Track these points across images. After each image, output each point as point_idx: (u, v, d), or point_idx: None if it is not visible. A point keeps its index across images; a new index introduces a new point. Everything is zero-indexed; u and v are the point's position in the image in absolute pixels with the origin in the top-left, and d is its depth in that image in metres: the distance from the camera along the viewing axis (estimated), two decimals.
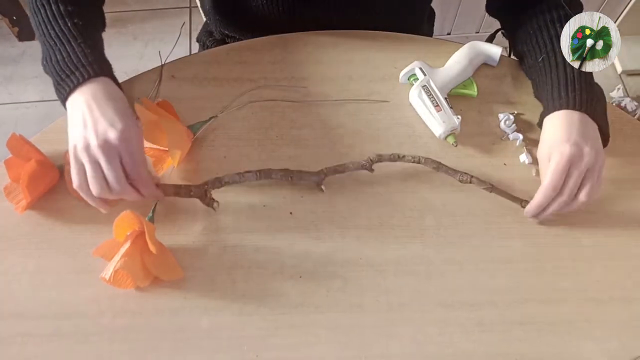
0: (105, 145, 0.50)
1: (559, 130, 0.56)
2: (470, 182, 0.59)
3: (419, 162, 0.59)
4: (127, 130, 0.51)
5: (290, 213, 0.59)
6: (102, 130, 0.51)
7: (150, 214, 0.57)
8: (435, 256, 0.57)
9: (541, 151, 0.57)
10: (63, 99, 0.55)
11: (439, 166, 0.59)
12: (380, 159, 0.60)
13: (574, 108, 0.56)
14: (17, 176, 0.57)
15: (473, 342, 0.52)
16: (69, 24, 0.56)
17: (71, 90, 0.54)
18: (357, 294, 0.54)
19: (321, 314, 0.53)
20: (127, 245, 0.52)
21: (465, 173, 0.59)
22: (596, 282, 0.56)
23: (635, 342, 0.52)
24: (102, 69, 0.55)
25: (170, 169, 0.61)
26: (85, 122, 0.52)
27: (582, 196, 0.54)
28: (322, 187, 0.59)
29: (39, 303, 0.54)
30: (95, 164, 0.51)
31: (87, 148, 0.51)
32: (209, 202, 0.57)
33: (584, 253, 0.57)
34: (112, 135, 0.50)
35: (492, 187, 0.58)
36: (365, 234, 0.58)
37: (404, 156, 0.60)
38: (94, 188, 0.51)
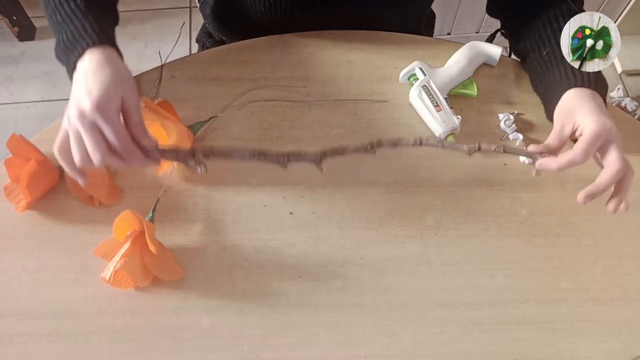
0: (80, 116, 0.49)
1: (575, 104, 0.55)
2: (480, 150, 0.55)
3: (420, 144, 0.56)
4: (103, 99, 0.49)
5: (290, 213, 0.59)
6: (78, 100, 0.50)
7: (150, 214, 0.57)
8: (435, 256, 0.57)
9: (556, 120, 0.57)
10: (71, 74, 0.55)
11: (442, 143, 0.56)
12: (380, 144, 0.56)
13: (582, 85, 0.56)
14: (17, 176, 0.57)
15: (472, 342, 0.52)
16: (72, 5, 0.56)
17: (75, 64, 0.53)
18: (357, 294, 0.55)
19: (321, 313, 0.53)
20: (127, 245, 0.52)
21: (471, 144, 0.55)
22: (596, 282, 0.56)
23: (635, 342, 0.52)
24: (100, 38, 0.54)
25: (171, 169, 0.61)
26: (73, 93, 0.51)
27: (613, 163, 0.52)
28: (322, 167, 0.55)
29: (38, 302, 0.54)
30: (76, 133, 0.50)
31: (69, 118, 0.50)
32: (198, 161, 0.54)
33: (584, 253, 0.57)
34: (86, 104, 0.49)
35: (504, 147, 0.55)
36: (365, 234, 0.58)
37: (403, 139, 0.56)
38: (76, 157, 0.50)
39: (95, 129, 0.49)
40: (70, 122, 0.50)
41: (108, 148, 0.50)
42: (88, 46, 0.53)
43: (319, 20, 0.73)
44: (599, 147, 0.52)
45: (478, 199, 0.60)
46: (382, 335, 0.53)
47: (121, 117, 0.51)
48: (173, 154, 0.54)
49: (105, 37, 0.54)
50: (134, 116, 0.52)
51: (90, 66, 0.52)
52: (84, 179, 0.54)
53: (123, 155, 0.51)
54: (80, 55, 0.53)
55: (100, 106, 0.49)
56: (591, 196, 0.52)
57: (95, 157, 0.49)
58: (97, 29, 0.55)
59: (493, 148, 0.55)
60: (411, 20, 0.80)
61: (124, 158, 0.51)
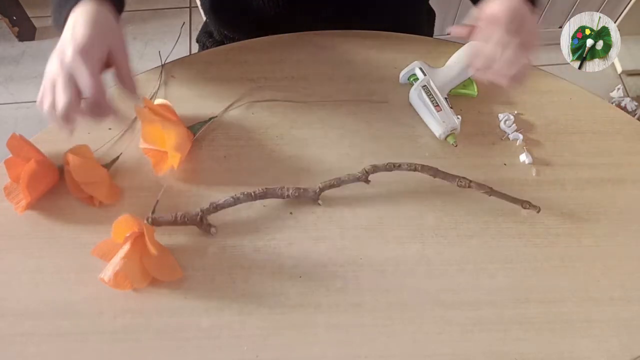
0: (60, 63, 0.47)
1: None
2: (469, 187, 0.58)
3: (415, 170, 0.59)
4: (87, 45, 0.47)
5: (290, 213, 0.59)
6: (61, 47, 0.48)
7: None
8: (435, 256, 0.57)
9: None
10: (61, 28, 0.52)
11: (436, 172, 0.59)
12: (375, 169, 0.59)
13: None
14: (17, 176, 0.57)
15: (472, 342, 0.52)
16: None
17: (67, 17, 0.51)
18: (357, 294, 0.55)
19: (321, 313, 0.53)
20: (126, 247, 0.52)
21: (464, 178, 0.58)
22: (596, 282, 0.56)
23: (635, 342, 0.52)
24: None
25: (170, 170, 0.61)
26: (58, 44, 0.49)
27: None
28: (319, 201, 0.59)
29: (38, 302, 0.54)
30: (52, 82, 0.48)
31: (51, 68, 0.48)
32: (206, 228, 0.57)
33: (584, 253, 0.57)
34: (68, 50, 0.47)
35: (491, 191, 0.58)
36: (365, 234, 0.58)
37: (399, 165, 0.59)
38: (45, 104, 0.49)
39: (70, 81, 0.47)
40: (50, 72, 0.48)
41: (77, 99, 0.47)
42: (76, 2, 0.50)
43: (317, 10, 0.73)
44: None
45: (478, 199, 0.60)
46: (382, 335, 0.53)
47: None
48: (182, 220, 0.56)
49: None
50: (121, 60, 0.50)
51: (80, 17, 0.49)
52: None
53: (91, 105, 0.48)
54: (73, 6, 0.50)
55: (83, 51, 0.47)
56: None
57: (60, 102, 0.47)
58: None
59: (481, 192, 0.58)
60: (410, 14, 0.80)
61: (91, 110, 0.48)
